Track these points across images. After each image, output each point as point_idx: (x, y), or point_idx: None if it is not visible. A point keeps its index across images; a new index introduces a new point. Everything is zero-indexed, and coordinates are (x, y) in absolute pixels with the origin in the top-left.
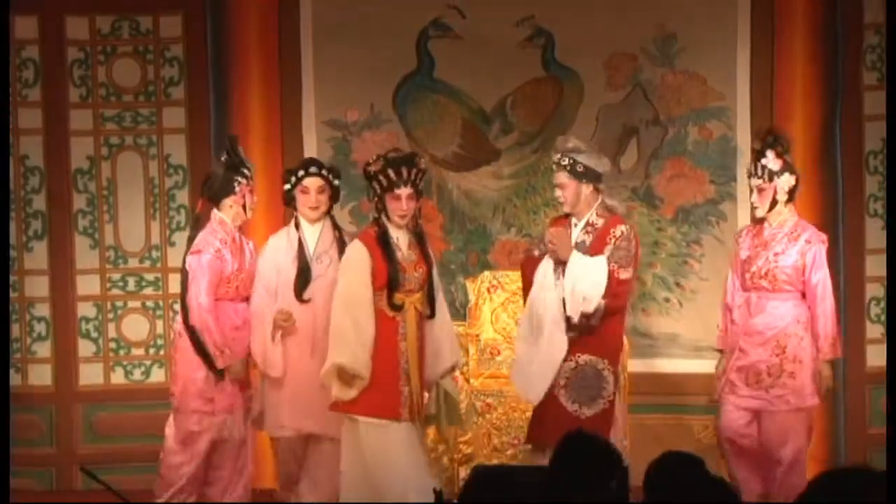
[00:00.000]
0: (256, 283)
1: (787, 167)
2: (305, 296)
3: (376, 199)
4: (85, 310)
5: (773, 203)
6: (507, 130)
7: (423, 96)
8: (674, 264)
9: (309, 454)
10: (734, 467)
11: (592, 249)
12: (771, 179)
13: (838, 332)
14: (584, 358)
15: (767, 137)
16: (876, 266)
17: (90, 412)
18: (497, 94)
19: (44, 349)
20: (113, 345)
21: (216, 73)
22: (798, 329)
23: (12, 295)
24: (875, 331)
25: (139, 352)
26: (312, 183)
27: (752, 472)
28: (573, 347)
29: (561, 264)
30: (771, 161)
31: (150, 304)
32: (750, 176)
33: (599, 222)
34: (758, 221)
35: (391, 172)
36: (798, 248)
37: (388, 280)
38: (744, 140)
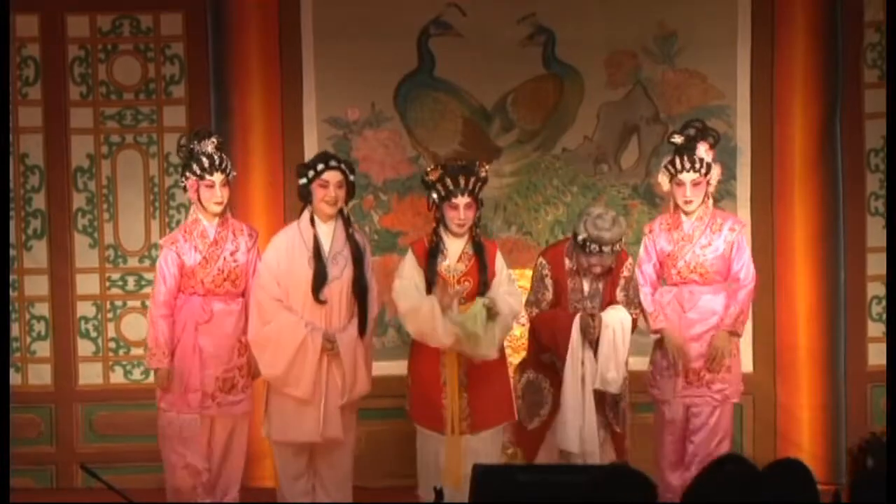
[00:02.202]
0: (260, 291)
1: (715, 158)
2: (322, 297)
3: (434, 207)
4: (84, 309)
5: (705, 196)
6: (508, 128)
7: (424, 94)
8: None
9: (318, 459)
10: (665, 465)
11: (607, 292)
12: (708, 172)
13: (747, 311)
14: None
15: (689, 130)
16: (877, 264)
17: (90, 411)
18: (498, 91)
19: (43, 348)
20: (112, 344)
21: (217, 71)
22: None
23: (12, 294)
24: (876, 329)
25: (138, 351)
26: (333, 177)
27: (677, 467)
28: None
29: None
30: (704, 153)
31: (149, 303)
32: (679, 171)
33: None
34: (673, 214)
35: (449, 181)
36: (723, 237)
37: (426, 287)
38: (744, 139)
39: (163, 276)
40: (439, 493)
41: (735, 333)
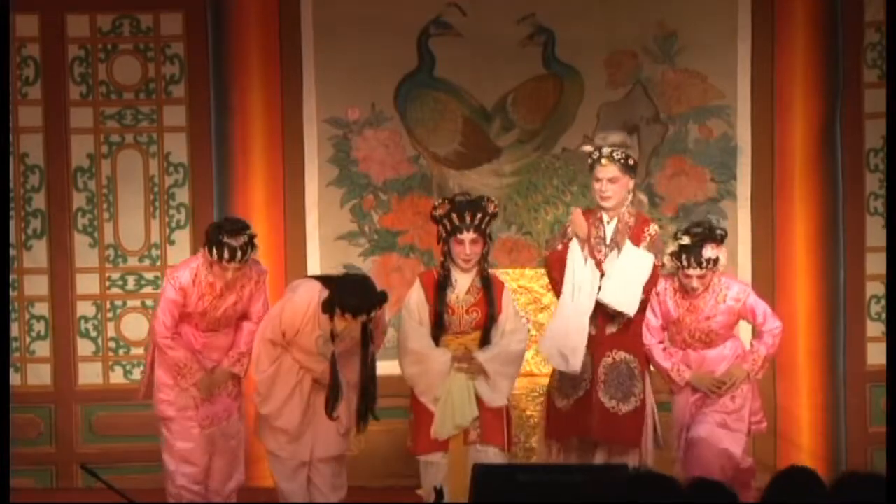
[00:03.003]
0: (263, 342)
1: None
2: (335, 414)
3: (442, 241)
4: (84, 309)
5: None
6: (508, 128)
7: (424, 94)
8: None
9: (312, 474)
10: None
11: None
12: (715, 265)
13: (770, 358)
14: (619, 355)
15: (695, 229)
16: (876, 264)
17: (89, 411)
18: (498, 91)
19: (43, 348)
20: (112, 344)
21: (217, 71)
22: (737, 360)
23: (12, 294)
24: (875, 329)
25: (138, 351)
26: (353, 321)
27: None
28: (610, 343)
29: (586, 244)
30: (710, 251)
31: (149, 303)
32: (686, 266)
33: (631, 221)
34: (679, 284)
35: (455, 217)
36: (727, 307)
37: (434, 322)
38: (744, 138)
39: (166, 307)
40: (439, 493)
41: (751, 372)
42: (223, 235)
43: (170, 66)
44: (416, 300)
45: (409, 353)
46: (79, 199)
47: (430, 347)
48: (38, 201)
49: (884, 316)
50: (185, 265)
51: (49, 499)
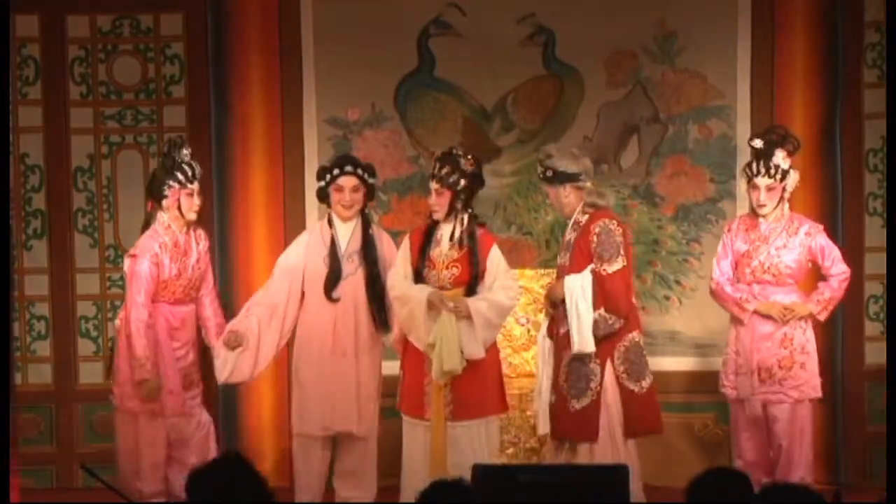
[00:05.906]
0: (280, 278)
1: (793, 165)
2: (335, 295)
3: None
4: (85, 309)
5: (780, 200)
6: (508, 128)
7: (424, 94)
8: (674, 262)
9: (341, 453)
10: (743, 456)
11: (577, 247)
12: (783, 178)
13: (836, 301)
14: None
15: (772, 136)
16: (875, 264)
17: (90, 411)
18: (498, 91)
19: (43, 348)
20: (112, 344)
21: (217, 71)
22: (802, 320)
23: (12, 293)
24: (874, 329)
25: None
26: (347, 182)
27: (756, 468)
28: (567, 342)
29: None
30: (782, 160)
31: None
32: (755, 174)
33: (584, 218)
34: (751, 215)
35: (432, 167)
36: (799, 240)
37: (413, 273)
38: (744, 139)
39: (142, 285)
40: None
41: (814, 316)
42: (174, 154)
43: (170, 67)
44: (401, 255)
45: (395, 300)
46: (79, 200)
47: (409, 286)
48: (38, 201)
49: (882, 315)
50: (144, 240)
51: (49, 499)
